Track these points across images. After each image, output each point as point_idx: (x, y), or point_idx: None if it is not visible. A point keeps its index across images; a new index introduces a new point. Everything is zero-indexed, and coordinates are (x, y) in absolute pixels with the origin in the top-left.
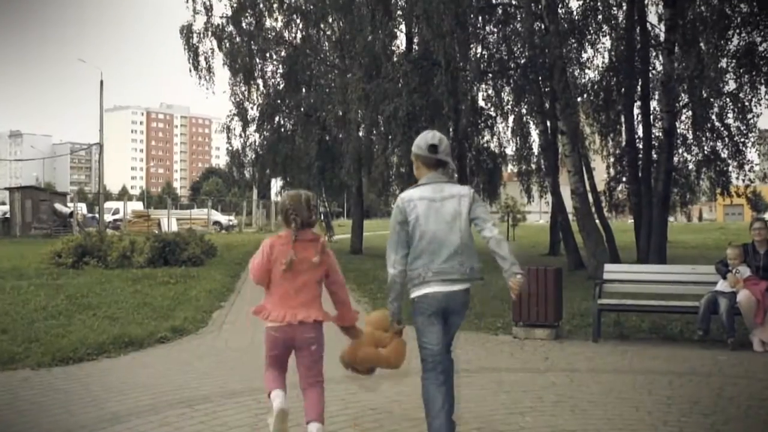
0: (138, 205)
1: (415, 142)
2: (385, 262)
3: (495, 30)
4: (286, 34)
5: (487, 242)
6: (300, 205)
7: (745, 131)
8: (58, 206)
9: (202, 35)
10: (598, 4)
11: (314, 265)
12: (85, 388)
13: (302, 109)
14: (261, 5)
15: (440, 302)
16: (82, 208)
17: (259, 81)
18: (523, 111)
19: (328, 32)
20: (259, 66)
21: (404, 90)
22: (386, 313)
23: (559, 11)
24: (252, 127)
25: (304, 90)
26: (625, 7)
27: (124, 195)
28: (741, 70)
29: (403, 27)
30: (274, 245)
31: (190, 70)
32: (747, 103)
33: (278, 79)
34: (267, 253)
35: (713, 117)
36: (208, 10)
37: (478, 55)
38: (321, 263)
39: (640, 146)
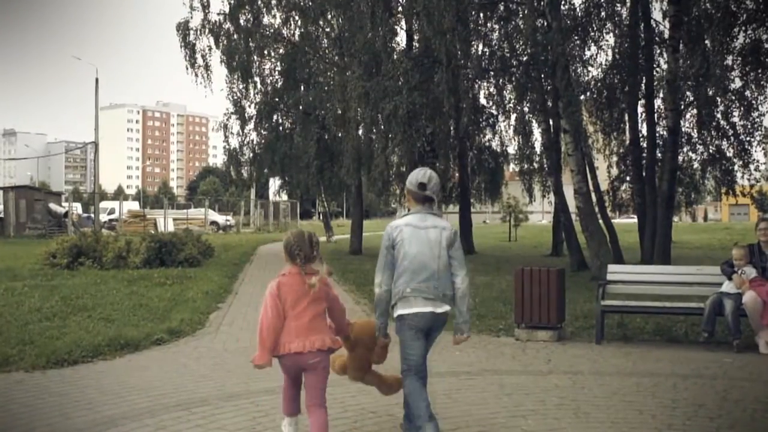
0: (134, 205)
1: (408, 179)
2: None
3: (497, 27)
4: (284, 31)
5: (454, 288)
6: (303, 242)
7: (750, 130)
8: (53, 206)
9: (198, 32)
10: (602, 0)
11: (317, 297)
12: (80, 391)
13: (301, 108)
14: (259, 2)
15: (428, 321)
16: (77, 207)
17: (257, 79)
18: (525, 109)
19: (327, 29)
20: (257, 63)
21: (404, 88)
22: (372, 323)
23: (562, 8)
24: (250, 126)
25: (302, 88)
26: (628, 4)
27: (119, 194)
28: (747, 68)
29: (403, 24)
30: (281, 285)
31: (187, 68)
32: (753, 102)
33: (276, 77)
34: (275, 298)
35: (718, 115)
36: (205, 6)
37: (480, 53)
38: (320, 293)
39: (644, 145)
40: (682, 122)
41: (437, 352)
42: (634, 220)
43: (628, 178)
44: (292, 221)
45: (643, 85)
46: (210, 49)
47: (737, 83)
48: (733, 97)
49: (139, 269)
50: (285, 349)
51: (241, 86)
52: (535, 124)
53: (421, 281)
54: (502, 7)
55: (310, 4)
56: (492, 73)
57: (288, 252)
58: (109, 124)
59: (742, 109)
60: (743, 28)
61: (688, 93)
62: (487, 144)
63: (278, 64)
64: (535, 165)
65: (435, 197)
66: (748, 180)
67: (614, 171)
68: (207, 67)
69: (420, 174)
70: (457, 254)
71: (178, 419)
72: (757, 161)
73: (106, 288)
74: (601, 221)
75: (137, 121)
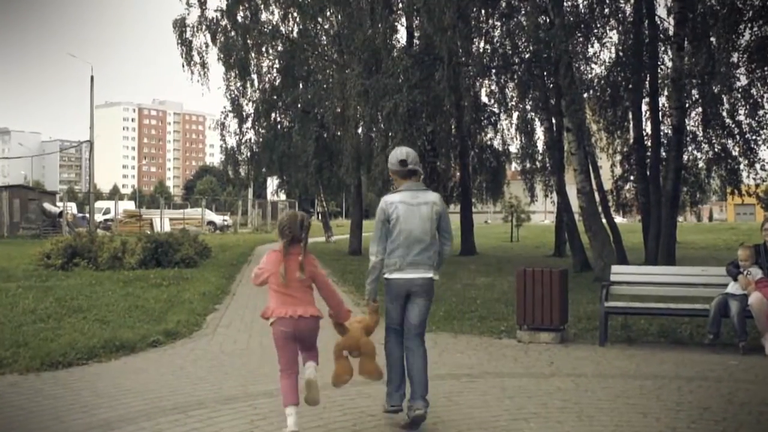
0: (129, 205)
1: (389, 161)
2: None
3: (498, 24)
4: (282, 28)
5: (440, 253)
6: (294, 224)
7: (756, 128)
8: (47, 206)
9: (195, 29)
10: None
11: (302, 275)
12: (74, 394)
13: (299, 106)
14: None
15: (401, 288)
16: (71, 207)
17: (255, 76)
18: (528, 107)
19: (326, 26)
20: (255, 61)
21: (405, 86)
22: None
23: (565, 4)
24: (247, 124)
25: (301, 86)
26: (632, 0)
27: (115, 194)
28: (753, 66)
29: (403, 20)
30: (271, 258)
31: (183, 65)
32: (759, 100)
33: (274, 75)
34: (266, 262)
35: (724, 114)
36: (202, 2)
37: (481, 50)
38: (306, 273)
39: (649, 144)
40: (686, 120)
41: (437, 354)
42: (625, 221)
43: (631, 178)
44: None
45: (647, 82)
46: (207, 46)
47: (743, 81)
48: (739, 95)
49: (134, 270)
50: (283, 312)
51: (238, 84)
52: (537, 123)
53: (415, 254)
54: (504, 4)
55: (309, 0)
56: (494, 70)
57: (279, 230)
58: (104, 123)
59: (747, 107)
60: (749, 24)
61: (693, 91)
62: (489, 143)
63: (276, 61)
64: (538, 164)
65: (418, 168)
66: (754, 179)
67: (618, 170)
68: (204, 65)
69: (398, 152)
70: (445, 224)
71: (174, 422)
72: (763, 160)
73: (101, 289)
74: (604, 221)
75: (133, 120)
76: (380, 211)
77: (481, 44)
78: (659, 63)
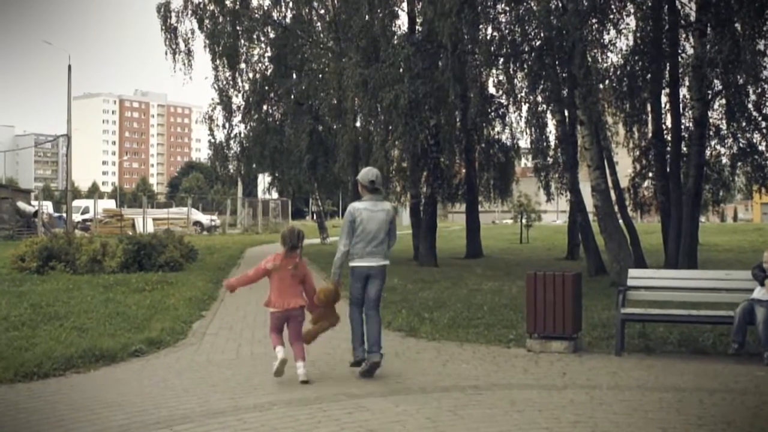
0: (110, 204)
1: (360, 177)
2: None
3: (507, 8)
4: (274, 14)
5: (388, 247)
6: (294, 236)
7: None
8: (21, 205)
9: (181, 14)
10: None
11: (295, 272)
12: (50, 407)
13: (293, 97)
14: None
15: (363, 272)
16: (47, 206)
17: (245, 66)
18: (539, 99)
19: (322, 11)
20: (245, 49)
21: (406, 75)
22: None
23: None
24: (237, 117)
25: (294, 75)
26: None
27: (94, 192)
28: None
29: (404, 5)
30: (276, 257)
31: (167, 53)
32: None
33: (266, 64)
34: (264, 268)
35: (749, 105)
36: None
37: (488, 37)
38: (298, 271)
39: (669, 138)
40: (709, 113)
41: (441, 364)
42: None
43: (650, 174)
44: (282, 221)
45: (667, 72)
46: (193, 32)
47: None
48: (766, 85)
49: (115, 274)
50: (279, 306)
51: (227, 74)
52: (549, 116)
53: (373, 247)
54: None
55: None
56: (502, 59)
57: (282, 240)
58: (82, 116)
59: None
60: None
61: (716, 81)
62: (497, 137)
63: (268, 49)
64: (550, 160)
65: (380, 188)
66: None
67: (636, 166)
68: (190, 53)
69: (369, 173)
70: (393, 228)
71: None
72: None
73: (79, 294)
74: (620, 221)
75: (113, 112)
76: (348, 213)
77: (488, 30)
78: (680, 51)
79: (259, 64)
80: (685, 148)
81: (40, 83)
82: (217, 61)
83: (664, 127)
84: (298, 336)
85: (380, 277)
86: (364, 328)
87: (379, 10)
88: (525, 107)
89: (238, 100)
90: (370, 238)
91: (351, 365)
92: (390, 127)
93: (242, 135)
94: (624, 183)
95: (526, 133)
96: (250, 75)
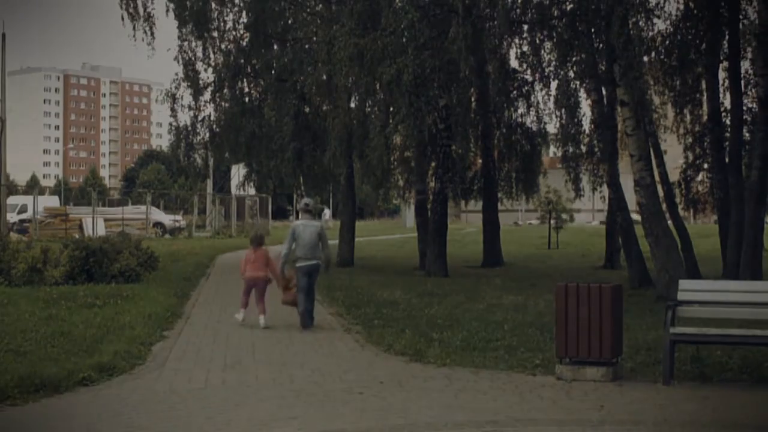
0: (53, 201)
1: (299, 204)
2: (383, 279)
3: None
4: None
5: (323, 253)
6: (256, 239)
7: None
8: None
9: None
10: None
11: (260, 257)
12: None
13: (273, 72)
14: None
15: (306, 269)
16: None
17: (216, 34)
18: (571, 74)
19: None
20: (216, 13)
21: (410, 46)
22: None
23: None
24: (206, 96)
25: (275, 46)
26: None
27: (33, 187)
28: None
29: None
30: (248, 254)
31: (123, 19)
32: None
33: (241, 32)
34: (244, 261)
35: None
36: None
37: (509, 0)
38: (261, 257)
39: (728, 122)
40: None
41: (453, 395)
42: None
43: (705, 166)
44: (262, 222)
45: (725, 42)
46: None
47: None
48: None
49: (59, 286)
50: (249, 275)
51: (194, 44)
52: (582, 95)
53: (307, 250)
54: None
55: None
56: (526, 26)
57: (251, 240)
58: (20, 94)
59: None
60: None
61: None
62: (520, 120)
63: (243, 14)
64: (583, 148)
65: (314, 211)
66: None
67: (688, 156)
68: (149, 18)
69: (303, 201)
70: (323, 239)
71: None
72: None
73: (15, 310)
74: (669, 222)
75: (57, 90)
76: (291, 229)
77: None
78: (741, 16)
79: (234, 33)
80: (747, 134)
81: None
82: (183, 29)
83: (721, 108)
84: (261, 297)
85: (316, 271)
86: (306, 306)
87: None
88: (554, 84)
89: (207, 76)
90: (306, 246)
91: (301, 331)
92: (391, 109)
93: (212, 118)
94: (674, 176)
95: (555, 116)
96: (223, 45)
